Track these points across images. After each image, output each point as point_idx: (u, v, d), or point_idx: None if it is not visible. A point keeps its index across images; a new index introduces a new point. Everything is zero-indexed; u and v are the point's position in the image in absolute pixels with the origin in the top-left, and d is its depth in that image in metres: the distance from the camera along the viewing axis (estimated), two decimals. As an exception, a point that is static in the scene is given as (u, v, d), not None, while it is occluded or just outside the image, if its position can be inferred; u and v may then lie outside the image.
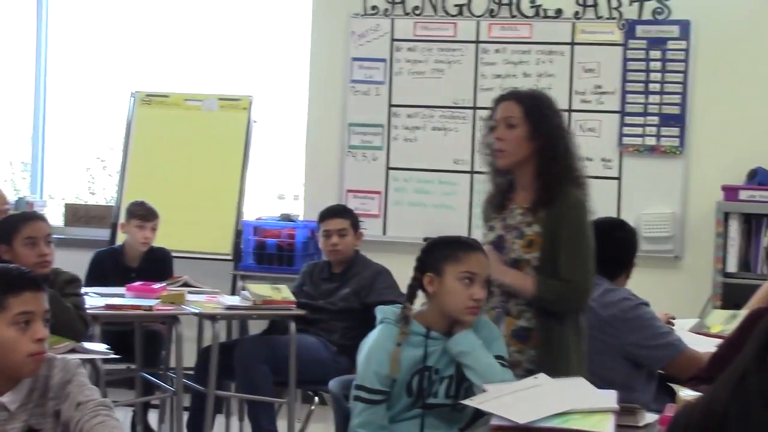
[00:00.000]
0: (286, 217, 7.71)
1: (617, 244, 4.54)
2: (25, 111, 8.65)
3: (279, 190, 8.60)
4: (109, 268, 6.67)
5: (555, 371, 3.81)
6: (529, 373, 3.93)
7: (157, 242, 6.77)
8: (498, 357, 3.75)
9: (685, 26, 7.29)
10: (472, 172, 7.52)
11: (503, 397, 3.44)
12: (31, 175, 8.76)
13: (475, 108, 7.54)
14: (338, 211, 6.35)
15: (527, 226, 4.09)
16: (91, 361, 4.81)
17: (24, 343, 3.08)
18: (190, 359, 6.13)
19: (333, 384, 3.99)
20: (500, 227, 4.16)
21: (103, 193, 9.12)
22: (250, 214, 7.78)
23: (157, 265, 6.67)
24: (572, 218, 4.05)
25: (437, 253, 3.78)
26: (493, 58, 7.54)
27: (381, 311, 3.83)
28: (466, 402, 3.54)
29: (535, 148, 4.08)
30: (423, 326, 3.75)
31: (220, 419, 6.33)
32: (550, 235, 4.05)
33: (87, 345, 4.73)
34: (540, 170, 4.10)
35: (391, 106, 7.69)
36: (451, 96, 7.56)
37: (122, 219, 6.99)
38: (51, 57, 8.63)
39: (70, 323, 4.71)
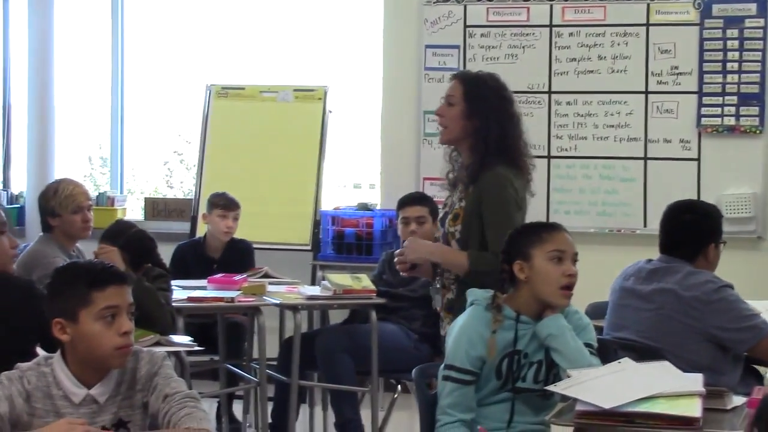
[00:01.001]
0: (364, 207, 7.73)
1: (686, 227, 4.47)
2: (103, 107, 8.75)
3: (355, 179, 8.62)
4: (192, 260, 6.74)
5: None
6: None
7: (237, 234, 6.83)
8: (587, 345, 3.75)
9: (762, 4, 7.18)
10: (548, 157, 7.48)
11: (588, 382, 3.43)
12: (111, 170, 8.87)
13: (550, 92, 7.50)
14: (417, 199, 6.36)
15: (458, 201, 4.30)
16: (176, 354, 4.87)
17: (110, 336, 3.13)
18: (272, 350, 6.17)
19: (416, 372, 4.00)
20: (448, 205, 4.41)
21: (180, 186, 9.20)
22: (327, 205, 7.80)
23: (238, 257, 6.74)
24: (492, 193, 4.18)
25: (521, 240, 3.79)
26: (567, 42, 7.49)
27: (472, 293, 3.87)
28: (551, 388, 3.53)
29: (472, 127, 4.24)
30: (513, 310, 3.77)
31: (304, 409, 6.37)
32: (471, 209, 4.21)
33: (172, 337, 4.79)
34: (473, 149, 4.26)
35: (465, 92, 7.67)
36: (526, 80, 7.51)
37: (204, 210, 7.06)
38: (128, 52, 8.71)
39: (162, 318, 4.78)
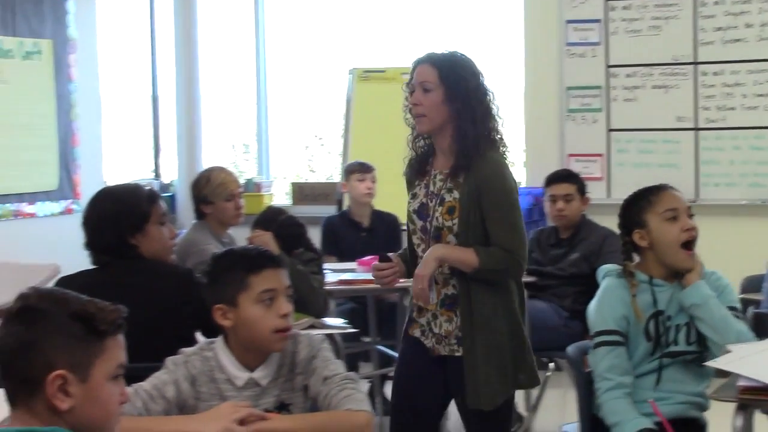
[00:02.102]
0: (509, 185, 7.70)
1: None
2: (247, 93, 8.88)
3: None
4: (341, 229, 6.83)
5: (479, 338, 3.83)
6: (459, 341, 3.91)
7: (386, 208, 6.91)
8: (731, 308, 3.73)
9: None
10: (696, 129, 7.36)
11: (750, 356, 3.37)
12: (258, 155, 9.00)
13: (696, 63, 7.37)
14: (564, 176, 6.31)
15: (447, 192, 3.94)
16: (330, 336, 4.93)
17: (269, 319, 3.18)
18: (422, 330, 6.18)
19: (571, 349, 4.00)
20: (423, 195, 4.03)
21: (322, 170, 9.29)
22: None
23: (384, 227, 6.82)
24: (495, 184, 3.87)
25: (633, 209, 3.85)
26: (713, 11, 7.34)
27: (602, 270, 3.93)
28: (711, 363, 3.50)
29: (453, 111, 3.91)
30: (645, 275, 3.82)
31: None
32: (468, 200, 3.89)
33: (325, 320, 4.85)
34: (458, 134, 3.93)
35: (608, 66, 7.59)
36: (671, 52, 7.40)
37: (342, 181, 7.14)
38: (270, 39, 8.83)
39: (315, 301, 4.84)
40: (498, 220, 3.86)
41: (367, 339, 6.58)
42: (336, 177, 8.20)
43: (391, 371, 6.55)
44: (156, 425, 3.07)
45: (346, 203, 7.14)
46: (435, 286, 3.98)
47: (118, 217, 3.91)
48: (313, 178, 9.08)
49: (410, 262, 4.05)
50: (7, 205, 7.13)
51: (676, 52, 7.40)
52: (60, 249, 7.12)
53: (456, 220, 3.90)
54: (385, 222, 6.92)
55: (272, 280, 3.21)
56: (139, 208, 3.96)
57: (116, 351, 2.30)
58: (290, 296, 3.25)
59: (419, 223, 4.01)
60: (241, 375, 3.21)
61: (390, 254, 4.12)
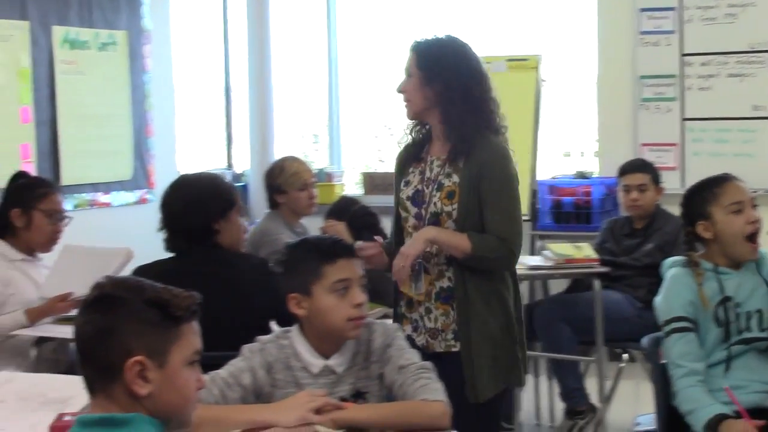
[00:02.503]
0: (581, 175, 7.66)
1: None
2: (319, 83, 8.91)
3: (571, 148, 8.54)
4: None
5: (474, 329, 3.76)
6: (456, 335, 3.85)
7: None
8: None
9: None
10: (775, 118, 7.27)
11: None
12: (330, 146, 9.02)
13: (772, 51, 7.29)
14: (638, 166, 6.26)
15: (446, 177, 3.86)
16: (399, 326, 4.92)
17: (344, 308, 3.19)
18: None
19: (646, 340, 3.98)
20: (417, 181, 3.94)
21: (392, 160, 9.26)
22: (543, 174, 7.75)
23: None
24: (495, 170, 3.77)
25: (696, 201, 3.85)
26: (791, -3, 7.25)
27: (667, 263, 3.93)
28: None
29: (433, 93, 3.83)
30: (710, 263, 3.82)
31: (529, 379, 6.36)
32: (469, 185, 3.80)
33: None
34: (444, 117, 3.85)
35: (683, 55, 7.50)
36: (747, 40, 7.30)
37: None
38: (341, 29, 8.84)
39: (388, 291, 4.84)
40: (495, 206, 3.78)
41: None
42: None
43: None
44: (232, 413, 3.10)
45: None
46: (426, 277, 3.93)
47: (206, 201, 3.95)
48: (382, 168, 9.07)
49: (395, 253, 3.91)
50: (83, 194, 7.21)
51: (752, 40, 7.30)
52: (134, 238, 7.17)
53: (455, 205, 3.82)
54: None
55: (346, 269, 3.22)
56: (227, 194, 4.01)
57: (192, 337, 2.32)
58: (364, 286, 3.26)
59: (413, 210, 3.93)
60: (316, 362, 3.23)
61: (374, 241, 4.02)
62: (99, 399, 2.26)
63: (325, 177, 8.50)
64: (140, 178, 7.69)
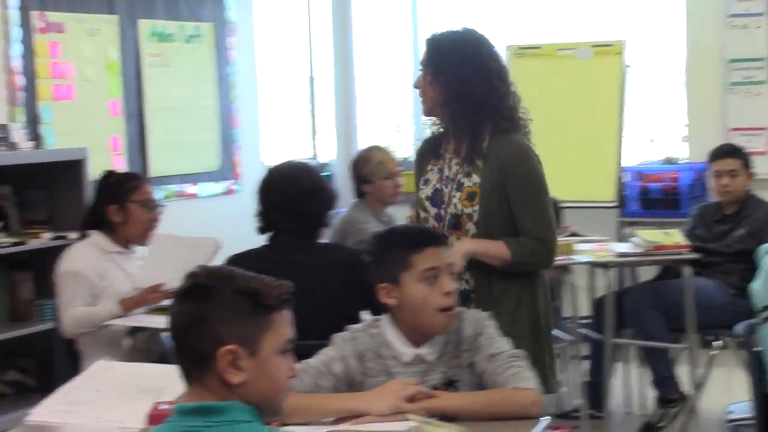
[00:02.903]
0: (669, 161, 7.58)
1: None
2: (403, 72, 8.91)
3: (656, 134, 8.45)
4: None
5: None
6: None
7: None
8: None
9: None
10: None
11: None
12: (414, 135, 9.02)
13: None
14: (729, 151, 6.18)
15: (466, 176, 3.71)
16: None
17: (433, 297, 3.18)
18: (583, 308, 6.15)
19: (739, 327, 3.93)
20: (436, 180, 3.79)
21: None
22: (629, 160, 7.68)
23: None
24: (520, 168, 3.64)
25: None
26: None
27: (763, 249, 3.92)
28: None
29: (441, 92, 3.69)
30: None
31: (620, 367, 6.32)
32: (491, 186, 3.66)
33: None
34: (451, 116, 3.71)
35: (772, 38, 7.40)
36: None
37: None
38: (425, 18, 8.83)
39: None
40: (525, 206, 3.66)
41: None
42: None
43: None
44: (324, 401, 3.12)
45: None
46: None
47: (323, 192, 4.00)
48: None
49: None
50: (171, 185, 7.29)
51: None
52: (221, 228, 7.24)
53: (477, 207, 3.68)
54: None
55: (435, 258, 3.21)
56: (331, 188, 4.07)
57: (284, 326, 2.33)
58: (453, 274, 3.25)
59: (433, 211, 3.79)
60: (407, 351, 3.22)
61: None
62: (194, 388, 2.29)
63: (410, 166, 8.48)
64: (227, 169, 7.76)
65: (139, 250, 5.06)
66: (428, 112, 3.80)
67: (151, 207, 5.00)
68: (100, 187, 5.06)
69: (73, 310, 4.74)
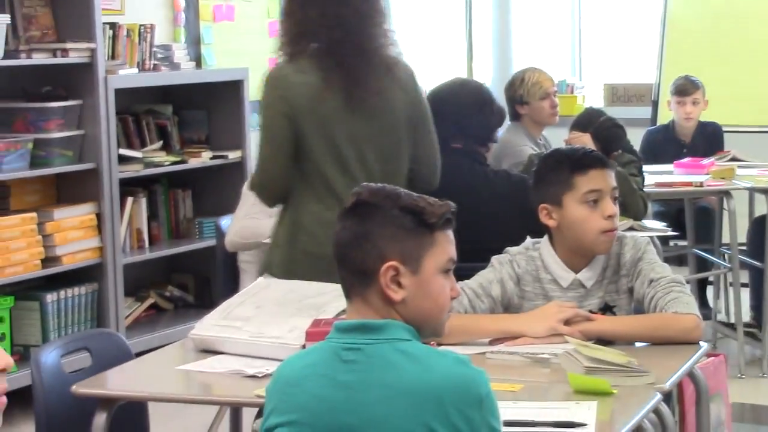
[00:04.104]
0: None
1: None
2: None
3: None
4: (661, 145, 6.66)
5: None
6: None
7: (707, 116, 6.67)
8: None
9: None
10: None
11: None
12: (571, 56, 8.91)
13: None
14: None
15: None
16: (650, 239, 4.86)
17: (594, 220, 3.16)
18: (741, 235, 6.01)
19: None
20: None
21: (636, 71, 9.06)
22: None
23: (708, 140, 6.59)
24: None
25: None
26: None
27: None
28: None
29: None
30: None
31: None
32: None
33: (645, 223, 4.79)
34: None
35: None
36: None
37: (668, 97, 6.96)
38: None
39: (635, 203, 4.79)
40: None
41: (682, 243, 6.46)
42: (650, 78, 8.00)
43: (709, 275, 6.42)
44: (482, 322, 3.14)
45: (667, 115, 6.93)
46: None
47: (486, 105, 4.00)
48: (624, 80, 8.87)
49: None
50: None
51: None
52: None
53: None
54: (707, 133, 6.67)
55: (598, 180, 3.18)
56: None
57: (446, 245, 2.34)
58: (616, 198, 3.22)
59: None
60: (566, 275, 3.21)
61: None
62: (356, 304, 2.32)
63: (566, 88, 8.39)
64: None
65: None
66: None
67: None
68: None
69: (242, 223, 4.79)
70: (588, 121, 5.16)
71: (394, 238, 2.28)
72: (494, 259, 3.26)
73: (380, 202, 2.32)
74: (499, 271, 3.22)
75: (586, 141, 4.86)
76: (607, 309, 3.23)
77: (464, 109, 3.95)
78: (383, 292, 2.28)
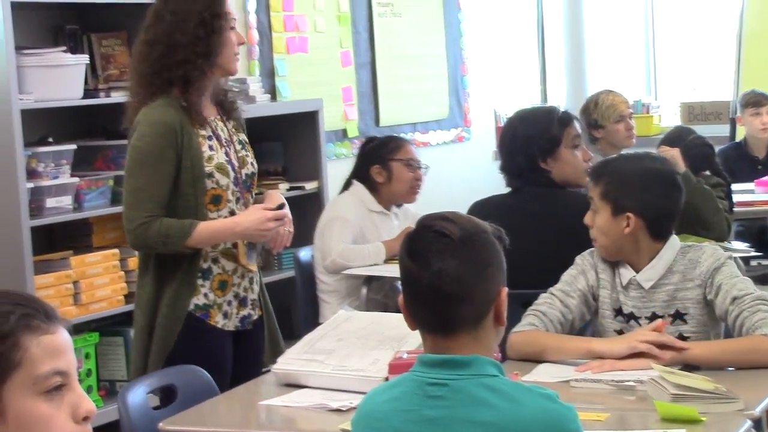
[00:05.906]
0: None
1: None
2: (634, 14, 8.73)
3: None
4: (734, 162, 6.59)
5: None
6: None
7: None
8: None
9: None
10: None
11: None
12: (645, 76, 8.84)
13: None
14: None
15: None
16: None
17: None
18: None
19: None
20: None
21: (711, 89, 8.98)
22: None
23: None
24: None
25: None
26: None
27: None
28: None
29: None
30: None
31: None
32: None
33: (727, 244, 4.76)
34: None
35: None
36: None
37: (738, 112, 6.89)
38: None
39: (719, 223, 4.75)
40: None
41: (765, 262, 6.37)
42: (727, 96, 7.92)
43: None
44: (565, 343, 3.20)
45: (741, 132, 6.86)
46: None
47: (530, 142, 3.96)
48: (700, 98, 8.79)
49: None
50: (402, 134, 7.34)
51: None
52: (452, 175, 7.28)
53: None
54: None
55: None
56: (549, 133, 3.99)
57: None
58: None
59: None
60: (625, 273, 3.27)
61: None
62: (461, 339, 2.25)
63: (642, 108, 8.33)
64: (456, 117, 7.77)
65: (397, 214, 5.15)
66: None
67: (415, 167, 5.07)
68: (362, 150, 5.18)
69: (343, 245, 4.85)
70: (678, 137, 5.14)
71: (503, 263, 2.29)
72: (577, 257, 3.37)
73: (482, 229, 2.29)
74: (581, 264, 3.34)
75: (674, 155, 4.81)
76: (678, 317, 3.23)
77: (513, 146, 4.02)
78: (499, 317, 2.27)
